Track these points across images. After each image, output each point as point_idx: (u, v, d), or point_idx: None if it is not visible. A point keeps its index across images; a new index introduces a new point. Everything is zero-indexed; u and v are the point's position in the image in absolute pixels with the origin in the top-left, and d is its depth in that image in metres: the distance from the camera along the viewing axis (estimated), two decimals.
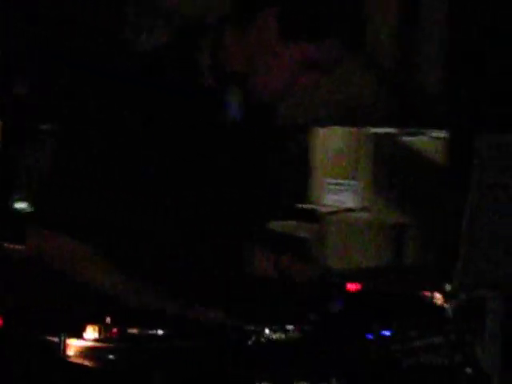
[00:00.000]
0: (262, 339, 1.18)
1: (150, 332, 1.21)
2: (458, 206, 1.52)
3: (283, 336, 1.20)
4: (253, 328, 1.19)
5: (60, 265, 1.46)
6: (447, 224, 2.99)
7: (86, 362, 1.17)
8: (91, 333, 1.19)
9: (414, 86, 4.08)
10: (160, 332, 1.22)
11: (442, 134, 3.36)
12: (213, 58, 1.53)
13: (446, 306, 1.41)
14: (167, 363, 1.16)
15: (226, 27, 1.55)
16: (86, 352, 1.18)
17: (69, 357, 1.17)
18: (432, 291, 1.48)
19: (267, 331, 1.18)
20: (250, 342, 1.17)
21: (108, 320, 1.20)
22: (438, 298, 1.46)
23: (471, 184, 1.37)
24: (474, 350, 1.31)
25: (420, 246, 3.26)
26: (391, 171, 3.27)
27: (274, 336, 1.19)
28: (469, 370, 1.28)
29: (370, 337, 1.23)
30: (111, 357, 1.16)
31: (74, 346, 1.18)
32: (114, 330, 1.20)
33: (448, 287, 1.42)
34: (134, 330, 1.21)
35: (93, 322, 1.20)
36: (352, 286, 1.57)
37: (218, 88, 1.54)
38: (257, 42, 1.50)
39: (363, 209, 3.25)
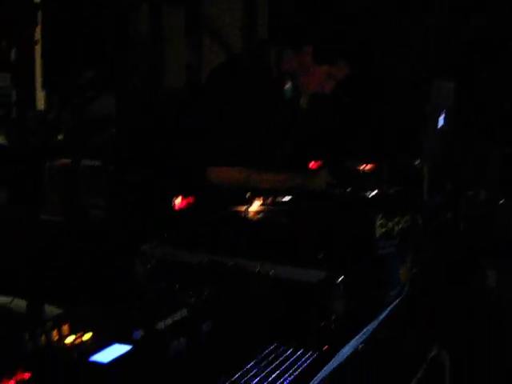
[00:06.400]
0: None
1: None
2: None
3: None
4: None
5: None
6: None
7: (256, 218, 2.45)
8: (257, 203, 2.49)
9: None
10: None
11: None
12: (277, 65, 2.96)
13: None
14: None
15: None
16: (255, 213, 2.47)
17: (249, 216, 2.46)
18: None
19: None
20: None
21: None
22: None
23: None
24: None
25: None
26: None
27: None
28: None
29: None
30: (266, 214, 2.47)
31: (252, 211, 2.47)
32: (270, 199, 2.51)
33: None
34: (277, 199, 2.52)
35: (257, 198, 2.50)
36: None
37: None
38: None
39: None
